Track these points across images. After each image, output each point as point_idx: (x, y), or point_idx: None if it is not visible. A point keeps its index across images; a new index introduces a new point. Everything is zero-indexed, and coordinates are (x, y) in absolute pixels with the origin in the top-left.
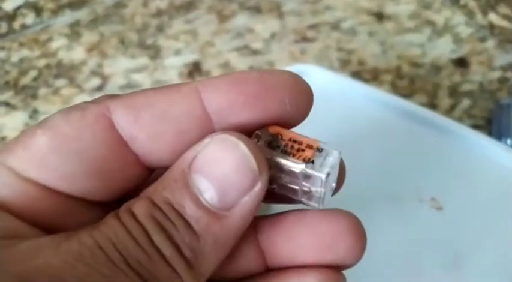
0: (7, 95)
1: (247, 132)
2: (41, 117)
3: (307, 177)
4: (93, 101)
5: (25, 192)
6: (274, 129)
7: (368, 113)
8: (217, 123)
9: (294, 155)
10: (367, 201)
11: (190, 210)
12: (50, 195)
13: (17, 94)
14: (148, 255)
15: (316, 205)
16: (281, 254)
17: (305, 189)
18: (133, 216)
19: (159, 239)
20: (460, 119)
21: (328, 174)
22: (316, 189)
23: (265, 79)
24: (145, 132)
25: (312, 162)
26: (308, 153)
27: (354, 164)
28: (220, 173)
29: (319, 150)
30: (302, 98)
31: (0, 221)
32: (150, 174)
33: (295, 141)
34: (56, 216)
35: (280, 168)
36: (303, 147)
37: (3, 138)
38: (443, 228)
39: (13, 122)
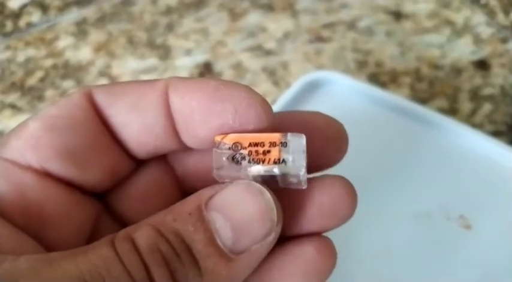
0: (13, 97)
1: (201, 137)
2: None
3: (284, 175)
4: (78, 89)
5: (19, 181)
6: (229, 139)
7: (390, 122)
8: (178, 124)
9: (263, 161)
10: (392, 217)
11: (201, 247)
12: (45, 183)
13: (23, 96)
14: None
15: (300, 187)
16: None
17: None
18: (134, 245)
19: (159, 273)
20: (481, 125)
21: (305, 167)
22: (297, 180)
23: (219, 90)
24: (117, 120)
25: (284, 161)
26: (275, 152)
27: (378, 178)
28: (241, 216)
29: (284, 144)
30: (251, 112)
31: None
32: (134, 166)
33: (256, 145)
34: (48, 208)
35: (254, 176)
36: (266, 148)
37: None
38: (471, 249)
39: None
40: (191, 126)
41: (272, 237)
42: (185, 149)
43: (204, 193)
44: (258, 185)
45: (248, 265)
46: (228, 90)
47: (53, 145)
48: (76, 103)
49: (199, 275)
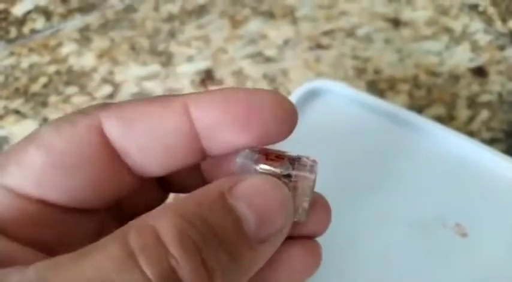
0: (17, 103)
1: (234, 150)
2: None
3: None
4: (83, 112)
5: (22, 209)
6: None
7: (387, 131)
8: (205, 139)
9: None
10: (388, 225)
11: (229, 233)
12: (46, 208)
13: (27, 102)
14: None
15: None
16: None
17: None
18: (156, 236)
19: (192, 262)
20: (478, 132)
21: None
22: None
23: (251, 99)
24: (136, 145)
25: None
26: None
27: (376, 186)
28: (264, 206)
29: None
30: (285, 119)
31: None
32: (141, 182)
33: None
34: (53, 229)
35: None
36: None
37: None
38: (467, 257)
39: (23, 130)
40: (223, 139)
41: (286, 231)
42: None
43: (224, 182)
44: (277, 181)
45: (265, 256)
46: (260, 98)
47: (55, 183)
48: (82, 137)
49: (230, 261)
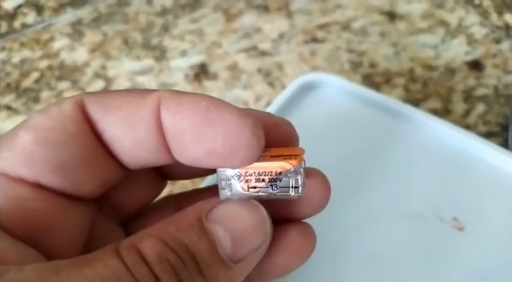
0: (8, 98)
1: (192, 157)
2: None
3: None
4: (69, 97)
5: (16, 196)
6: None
7: (384, 124)
8: (169, 141)
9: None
10: (385, 219)
11: (205, 256)
12: (41, 195)
13: (18, 97)
14: None
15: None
16: None
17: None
18: (141, 256)
19: (169, 280)
20: (474, 126)
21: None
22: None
23: (210, 112)
24: (109, 133)
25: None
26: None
27: (371, 180)
28: (240, 228)
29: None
30: (242, 138)
31: None
32: (126, 174)
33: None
34: (46, 220)
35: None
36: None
37: None
38: (464, 251)
39: None
40: (182, 146)
41: (263, 249)
42: (177, 163)
43: (203, 205)
44: (254, 201)
45: (243, 273)
46: (219, 113)
47: (46, 160)
48: (69, 115)
49: None
